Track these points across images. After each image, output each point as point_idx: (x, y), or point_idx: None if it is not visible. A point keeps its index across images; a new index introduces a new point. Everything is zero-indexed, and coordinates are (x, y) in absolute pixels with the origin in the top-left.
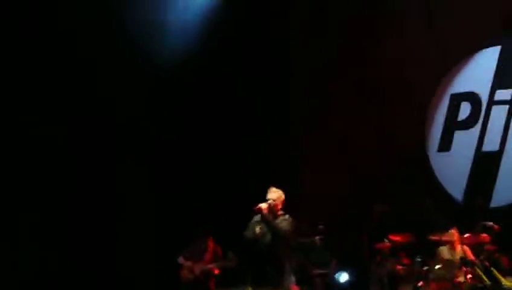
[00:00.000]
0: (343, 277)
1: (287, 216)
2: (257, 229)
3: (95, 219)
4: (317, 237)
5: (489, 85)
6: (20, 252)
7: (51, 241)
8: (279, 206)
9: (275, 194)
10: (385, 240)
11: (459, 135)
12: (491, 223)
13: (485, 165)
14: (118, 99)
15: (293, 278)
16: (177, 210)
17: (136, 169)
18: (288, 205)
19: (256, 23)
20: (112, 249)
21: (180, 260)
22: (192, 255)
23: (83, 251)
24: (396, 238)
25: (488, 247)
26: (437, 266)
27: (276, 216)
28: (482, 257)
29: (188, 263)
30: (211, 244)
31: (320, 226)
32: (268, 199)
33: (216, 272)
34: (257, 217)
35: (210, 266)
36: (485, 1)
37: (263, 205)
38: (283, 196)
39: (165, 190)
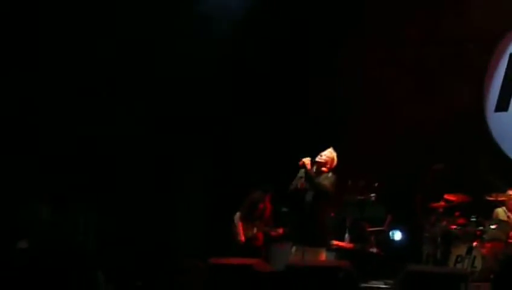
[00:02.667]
0: (397, 235)
1: (330, 174)
2: (299, 184)
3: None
4: (372, 194)
5: None
6: None
7: None
8: (328, 165)
9: (328, 154)
10: (440, 199)
11: None
12: None
13: None
14: None
15: (347, 236)
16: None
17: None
18: (343, 163)
19: None
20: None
21: (237, 218)
22: (248, 214)
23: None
24: (452, 197)
25: None
26: (492, 227)
27: (320, 173)
28: None
29: (246, 223)
30: (268, 204)
31: (376, 184)
32: (320, 157)
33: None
34: (302, 173)
35: (272, 229)
36: None
37: (306, 160)
38: (335, 157)
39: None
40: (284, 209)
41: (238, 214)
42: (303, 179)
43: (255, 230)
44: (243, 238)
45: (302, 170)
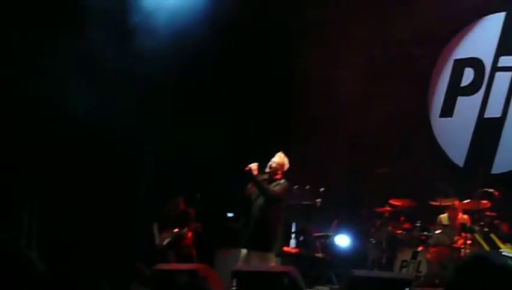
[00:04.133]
0: (343, 240)
1: (282, 181)
2: (248, 188)
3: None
4: (318, 200)
5: (493, 51)
6: None
7: None
8: (279, 172)
9: (277, 159)
10: (386, 204)
11: (461, 101)
12: (491, 190)
13: (487, 131)
14: None
15: (293, 241)
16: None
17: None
18: (291, 169)
19: None
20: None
21: (155, 228)
22: (164, 222)
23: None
24: (397, 202)
25: (488, 213)
26: (437, 232)
27: (272, 180)
28: (481, 224)
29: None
30: (182, 207)
31: (321, 189)
32: (270, 163)
33: (189, 235)
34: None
35: (177, 231)
36: None
37: (253, 166)
38: (285, 162)
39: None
40: (229, 214)
41: (155, 224)
42: (251, 184)
43: (170, 237)
44: (158, 242)
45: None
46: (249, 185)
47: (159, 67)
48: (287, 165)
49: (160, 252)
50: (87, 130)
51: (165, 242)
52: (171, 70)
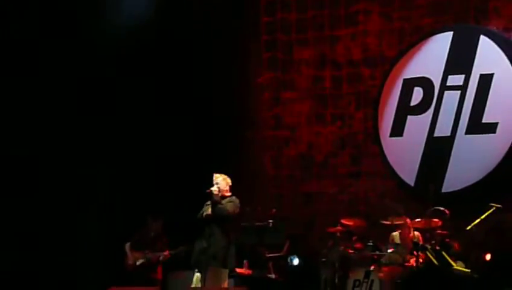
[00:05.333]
0: (296, 260)
1: (233, 198)
2: (208, 211)
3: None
4: (270, 221)
5: (442, 70)
6: None
7: None
8: (226, 188)
9: (220, 178)
10: (337, 224)
11: (411, 120)
12: (442, 208)
13: (437, 150)
14: None
15: (245, 262)
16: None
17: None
18: (243, 189)
19: None
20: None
21: (127, 247)
22: (139, 243)
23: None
24: (348, 222)
25: (439, 232)
26: (389, 251)
27: (223, 198)
28: (433, 242)
29: (135, 251)
30: (160, 231)
31: (273, 210)
32: (215, 184)
33: (167, 257)
34: (209, 201)
35: (159, 253)
36: None
37: (214, 188)
38: (228, 179)
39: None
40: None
41: (127, 244)
42: (210, 207)
43: (143, 259)
44: (130, 262)
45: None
46: (203, 209)
47: None
48: (229, 180)
49: (131, 272)
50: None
51: (138, 263)
52: None
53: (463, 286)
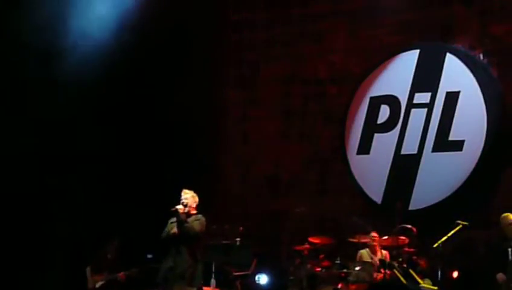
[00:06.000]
0: (263, 279)
1: (199, 216)
2: (174, 229)
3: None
4: (237, 239)
5: (408, 88)
6: None
7: None
8: (193, 205)
9: (188, 195)
10: (305, 242)
11: (378, 138)
12: (409, 226)
13: (404, 167)
14: None
15: (213, 281)
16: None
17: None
18: (209, 207)
19: None
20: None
21: (88, 271)
22: (98, 266)
23: None
24: (316, 240)
25: (406, 249)
26: (356, 268)
27: (189, 216)
28: (400, 259)
29: (94, 275)
30: (115, 252)
31: (240, 228)
32: (183, 201)
33: (122, 279)
34: (174, 219)
35: (115, 275)
36: (405, 7)
37: (180, 207)
38: (196, 197)
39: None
40: (150, 255)
41: (88, 268)
42: (175, 225)
43: (102, 281)
44: (90, 286)
45: (173, 217)
46: (167, 228)
47: None
48: (196, 197)
49: None
50: None
51: (98, 285)
52: None
53: None
